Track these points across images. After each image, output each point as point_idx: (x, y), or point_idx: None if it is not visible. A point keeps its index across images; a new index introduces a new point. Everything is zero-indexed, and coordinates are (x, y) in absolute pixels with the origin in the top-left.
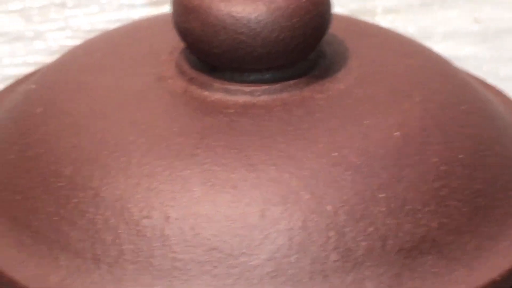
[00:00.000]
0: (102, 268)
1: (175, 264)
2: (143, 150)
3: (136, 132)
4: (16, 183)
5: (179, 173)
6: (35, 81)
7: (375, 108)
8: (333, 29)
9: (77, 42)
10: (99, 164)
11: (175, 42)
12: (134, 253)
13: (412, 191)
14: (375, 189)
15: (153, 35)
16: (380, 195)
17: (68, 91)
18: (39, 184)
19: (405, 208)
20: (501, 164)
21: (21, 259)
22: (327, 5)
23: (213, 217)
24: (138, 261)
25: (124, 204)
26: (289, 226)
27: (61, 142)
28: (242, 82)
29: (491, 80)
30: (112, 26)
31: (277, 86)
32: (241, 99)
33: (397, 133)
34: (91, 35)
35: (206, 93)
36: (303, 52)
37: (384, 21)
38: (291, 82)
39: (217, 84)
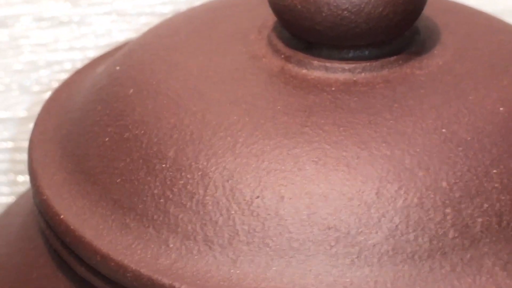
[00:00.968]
0: (215, 250)
1: (292, 244)
2: (249, 129)
3: (239, 111)
4: (115, 166)
5: (289, 152)
6: (118, 63)
7: (476, 83)
8: None
9: (123, 26)
10: (205, 145)
11: (261, 20)
12: (248, 234)
13: None
14: (487, 164)
15: (235, 14)
16: (493, 171)
17: (160, 72)
18: (141, 166)
19: None
20: None
21: (127, 242)
22: None
23: (328, 196)
24: (253, 242)
25: (234, 184)
26: (406, 203)
27: (161, 123)
28: (341, 59)
29: None
30: (159, 9)
31: (377, 63)
32: (342, 76)
33: (502, 109)
34: (137, 19)
35: (304, 71)
36: (403, 28)
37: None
38: (391, 58)
39: (316, 62)
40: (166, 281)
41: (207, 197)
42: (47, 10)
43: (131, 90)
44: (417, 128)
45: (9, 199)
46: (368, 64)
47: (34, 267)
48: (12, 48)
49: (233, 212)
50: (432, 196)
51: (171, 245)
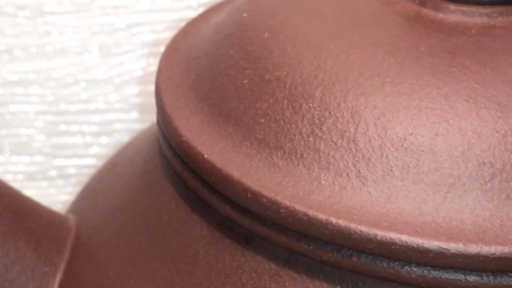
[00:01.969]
0: (369, 185)
1: (447, 179)
2: (396, 69)
3: (383, 52)
4: (258, 107)
5: (439, 91)
6: (244, 10)
7: None
8: None
9: None
10: (352, 84)
11: None
12: (403, 170)
13: None
14: None
15: None
16: None
17: (294, 16)
18: (287, 106)
19: None
20: None
21: (277, 180)
22: None
23: (482, 133)
24: (407, 178)
25: (386, 122)
26: None
27: (303, 64)
28: (477, 4)
29: None
30: None
31: None
32: (479, 20)
33: None
34: None
35: (441, 15)
36: None
37: None
38: None
39: (453, 6)
40: (322, 216)
41: (359, 135)
42: None
43: (266, 34)
44: None
45: (99, 162)
46: (504, 9)
47: (164, 211)
48: (92, 10)
49: (385, 149)
50: None
51: (323, 182)
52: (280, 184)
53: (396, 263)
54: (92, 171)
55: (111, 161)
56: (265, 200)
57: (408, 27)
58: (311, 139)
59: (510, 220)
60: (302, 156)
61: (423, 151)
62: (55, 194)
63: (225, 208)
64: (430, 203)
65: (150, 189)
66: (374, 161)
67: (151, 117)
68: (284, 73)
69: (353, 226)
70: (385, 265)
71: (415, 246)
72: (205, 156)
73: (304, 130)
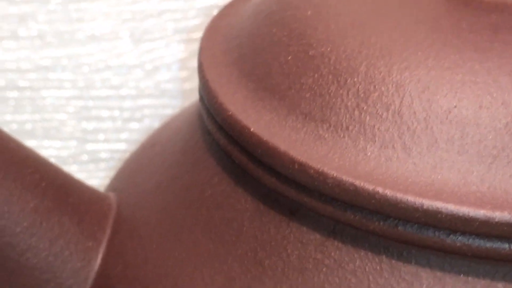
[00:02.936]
0: (415, 157)
1: (491, 151)
2: (439, 45)
3: (425, 29)
4: (303, 82)
5: (482, 65)
6: None
7: None
8: None
9: None
10: (396, 59)
11: None
12: (448, 142)
13: None
14: None
15: None
16: None
17: None
18: (332, 80)
19: None
20: None
21: (323, 152)
22: None
23: None
24: (452, 149)
25: (430, 95)
26: None
27: (347, 40)
28: None
29: None
30: None
31: None
32: None
33: None
34: None
35: None
36: None
37: None
38: None
39: None
40: (368, 186)
41: (403, 108)
42: None
43: (309, 12)
44: None
45: (130, 148)
46: None
47: (208, 186)
48: None
49: (431, 121)
50: None
51: (369, 154)
52: (326, 156)
53: (442, 232)
54: (123, 155)
55: (149, 141)
56: (312, 171)
57: (449, 6)
58: (356, 112)
59: None
60: (347, 128)
61: (467, 123)
62: (86, 178)
63: (271, 180)
64: (474, 173)
65: (191, 165)
66: (419, 133)
67: (181, 103)
68: (329, 49)
69: (399, 195)
70: (430, 234)
71: (460, 215)
72: (252, 129)
73: (349, 103)
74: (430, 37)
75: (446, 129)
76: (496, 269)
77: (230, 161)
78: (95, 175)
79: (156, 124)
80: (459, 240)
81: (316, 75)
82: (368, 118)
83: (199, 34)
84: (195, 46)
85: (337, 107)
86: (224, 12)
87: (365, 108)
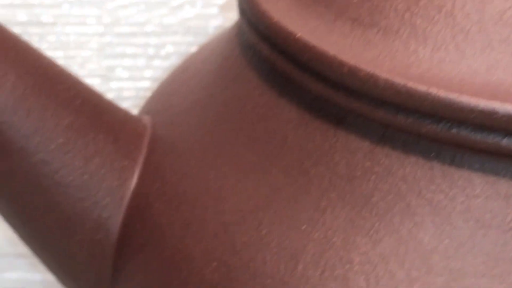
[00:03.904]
0: (469, 58)
1: None
2: None
3: None
4: None
5: None
6: None
7: None
8: None
9: None
10: None
11: None
12: (502, 43)
13: None
14: None
15: None
16: None
17: None
18: None
19: None
20: None
21: (373, 55)
22: None
23: None
24: (506, 51)
25: None
26: None
27: None
28: None
29: None
30: None
31: None
32: None
33: None
34: None
35: None
36: None
37: None
38: None
39: None
40: (422, 87)
41: (456, 10)
42: None
43: None
44: None
45: (154, 85)
46: None
47: (248, 99)
48: None
49: (484, 22)
50: None
51: (421, 56)
52: (377, 59)
53: (497, 134)
54: (147, 94)
55: (181, 66)
56: (362, 73)
57: None
58: (407, 15)
59: None
60: (398, 32)
61: None
62: None
63: (318, 86)
64: None
65: (231, 81)
66: (472, 35)
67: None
68: None
69: (454, 95)
70: (485, 137)
71: None
72: (298, 35)
73: (399, 6)
74: None
75: (500, 30)
76: None
77: (273, 72)
78: None
79: (180, 61)
80: None
81: None
82: (419, 20)
83: None
84: None
85: (387, 11)
86: None
87: (416, 10)
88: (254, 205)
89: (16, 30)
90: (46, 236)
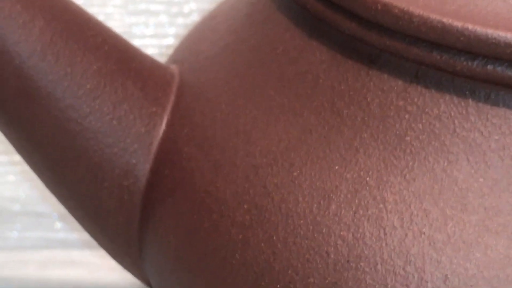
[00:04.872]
0: None
1: None
2: None
3: None
4: None
5: None
6: None
7: None
8: None
9: None
10: None
11: None
12: None
13: None
14: None
15: None
16: None
17: None
18: None
19: None
20: None
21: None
22: None
23: None
24: None
25: None
26: None
27: None
28: None
29: None
30: None
31: None
32: None
33: None
34: None
35: None
36: None
37: None
38: None
39: None
40: (457, 23)
41: None
42: None
43: None
44: None
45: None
46: None
47: (279, 42)
48: None
49: None
50: None
51: None
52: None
53: None
54: (170, 51)
55: (208, 16)
56: (396, 10)
57: None
58: None
59: None
60: None
61: None
62: None
63: (351, 25)
64: None
65: (260, 25)
66: None
67: None
68: None
69: (490, 31)
70: None
71: None
72: None
73: None
74: None
75: None
76: None
77: (304, 13)
78: None
79: None
80: None
81: None
82: None
83: None
84: None
85: None
86: None
87: None
88: (285, 147)
89: None
90: (75, 184)
